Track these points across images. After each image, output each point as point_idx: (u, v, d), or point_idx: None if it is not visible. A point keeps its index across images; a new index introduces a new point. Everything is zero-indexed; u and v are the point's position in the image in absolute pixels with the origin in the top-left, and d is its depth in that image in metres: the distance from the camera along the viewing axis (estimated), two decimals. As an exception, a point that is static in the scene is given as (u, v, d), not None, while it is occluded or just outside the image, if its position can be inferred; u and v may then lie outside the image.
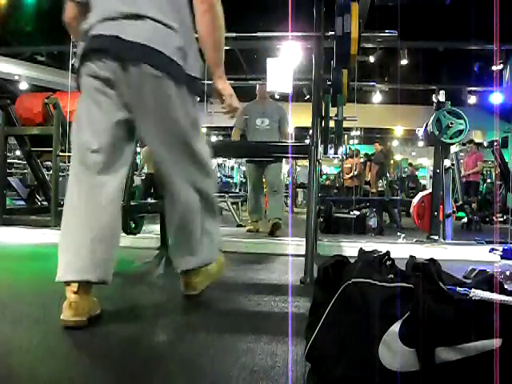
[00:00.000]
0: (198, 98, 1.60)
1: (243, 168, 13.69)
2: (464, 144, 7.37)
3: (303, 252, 2.24)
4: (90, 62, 1.41)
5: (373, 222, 4.89)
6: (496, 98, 9.22)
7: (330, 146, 3.03)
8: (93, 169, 1.39)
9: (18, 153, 8.33)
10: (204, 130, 11.58)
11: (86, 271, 1.32)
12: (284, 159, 4.83)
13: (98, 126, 1.41)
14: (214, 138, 13.99)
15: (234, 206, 5.67)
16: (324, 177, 13.81)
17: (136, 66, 1.37)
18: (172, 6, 1.45)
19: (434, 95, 4.17)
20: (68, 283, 1.32)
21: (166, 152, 1.51)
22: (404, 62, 8.72)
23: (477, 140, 11.09)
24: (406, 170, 11.36)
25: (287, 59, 2.87)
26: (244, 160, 13.84)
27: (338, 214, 5.04)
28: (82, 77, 1.47)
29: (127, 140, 1.49)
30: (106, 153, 1.41)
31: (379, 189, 7.29)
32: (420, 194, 4.71)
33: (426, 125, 3.98)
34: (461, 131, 3.69)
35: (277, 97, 4.83)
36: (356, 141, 12.69)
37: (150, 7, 1.39)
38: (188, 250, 1.62)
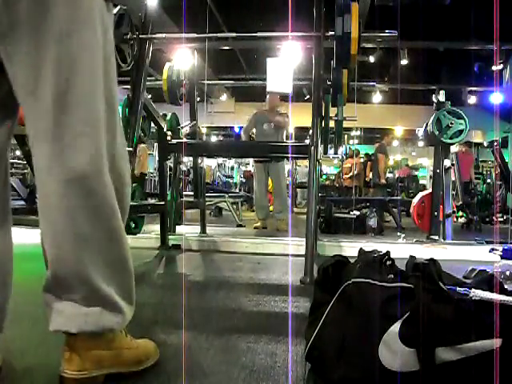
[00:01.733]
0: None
1: (243, 168, 13.71)
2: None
3: (303, 252, 2.24)
4: None
5: (373, 221, 4.89)
6: (496, 98, 9.21)
7: (330, 145, 3.03)
8: None
9: (18, 153, 8.33)
10: (204, 130, 11.61)
11: None
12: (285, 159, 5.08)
13: None
14: (214, 138, 14.00)
15: (234, 206, 5.67)
16: (324, 177, 13.81)
17: None
18: None
19: (433, 95, 4.16)
20: None
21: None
22: (404, 62, 8.71)
23: (477, 140, 11.10)
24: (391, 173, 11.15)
25: (287, 59, 2.86)
26: (243, 160, 13.82)
27: (338, 214, 5.05)
28: None
29: None
30: None
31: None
32: (420, 194, 4.71)
33: (426, 125, 3.98)
34: (461, 131, 3.69)
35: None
36: (356, 141, 12.70)
37: None
38: None
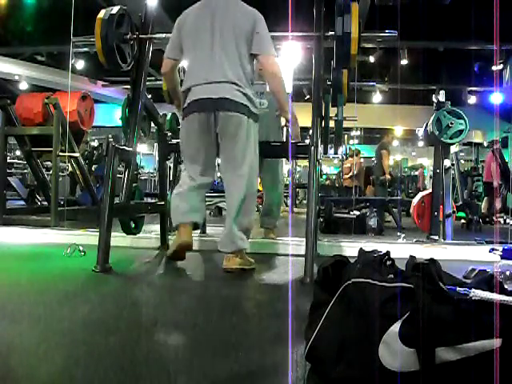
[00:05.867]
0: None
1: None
2: (464, 144, 7.35)
3: (303, 252, 2.24)
4: (193, 113, 2.29)
5: (373, 221, 4.89)
6: (496, 98, 9.22)
7: (330, 146, 3.03)
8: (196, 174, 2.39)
9: (18, 153, 8.33)
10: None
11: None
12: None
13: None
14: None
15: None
16: (324, 177, 13.81)
17: (221, 111, 2.24)
18: (238, 71, 2.28)
19: (433, 95, 4.17)
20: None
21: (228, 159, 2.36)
22: (404, 62, 8.72)
23: (477, 140, 11.10)
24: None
25: (287, 59, 2.87)
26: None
27: (337, 214, 5.04)
28: (187, 121, 2.35)
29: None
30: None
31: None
32: (420, 194, 4.71)
33: (426, 125, 3.98)
34: (461, 131, 3.69)
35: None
36: (356, 141, 12.71)
37: (223, 75, 2.24)
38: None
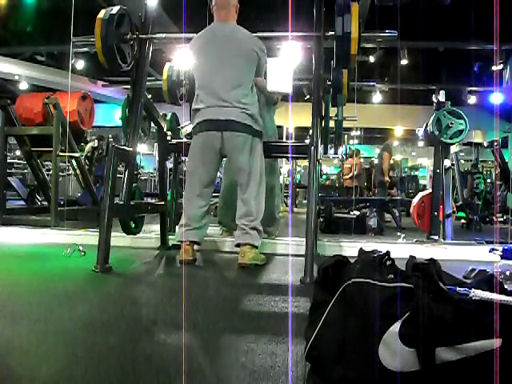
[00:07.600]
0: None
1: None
2: (464, 144, 7.34)
3: (303, 252, 2.24)
4: (201, 132, 2.54)
5: (373, 221, 4.89)
6: (496, 98, 9.22)
7: (330, 146, 3.03)
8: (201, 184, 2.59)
9: (18, 153, 8.32)
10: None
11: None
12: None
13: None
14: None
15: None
16: (324, 177, 13.82)
17: (227, 131, 2.48)
18: (244, 93, 2.50)
19: (433, 95, 4.17)
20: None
21: (239, 170, 2.56)
22: (404, 62, 8.72)
23: (477, 140, 11.10)
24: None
25: (287, 59, 2.86)
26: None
27: (338, 214, 5.04)
28: (195, 139, 2.59)
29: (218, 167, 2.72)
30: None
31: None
32: (420, 194, 4.71)
33: (426, 125, 3.98)
34: (461, 131, 3.69)
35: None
36: (356, 141, 12.71)
37: (230, 100, 2.46)
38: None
